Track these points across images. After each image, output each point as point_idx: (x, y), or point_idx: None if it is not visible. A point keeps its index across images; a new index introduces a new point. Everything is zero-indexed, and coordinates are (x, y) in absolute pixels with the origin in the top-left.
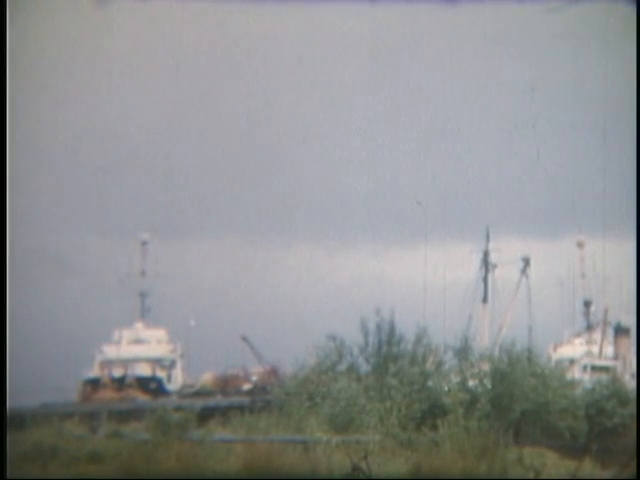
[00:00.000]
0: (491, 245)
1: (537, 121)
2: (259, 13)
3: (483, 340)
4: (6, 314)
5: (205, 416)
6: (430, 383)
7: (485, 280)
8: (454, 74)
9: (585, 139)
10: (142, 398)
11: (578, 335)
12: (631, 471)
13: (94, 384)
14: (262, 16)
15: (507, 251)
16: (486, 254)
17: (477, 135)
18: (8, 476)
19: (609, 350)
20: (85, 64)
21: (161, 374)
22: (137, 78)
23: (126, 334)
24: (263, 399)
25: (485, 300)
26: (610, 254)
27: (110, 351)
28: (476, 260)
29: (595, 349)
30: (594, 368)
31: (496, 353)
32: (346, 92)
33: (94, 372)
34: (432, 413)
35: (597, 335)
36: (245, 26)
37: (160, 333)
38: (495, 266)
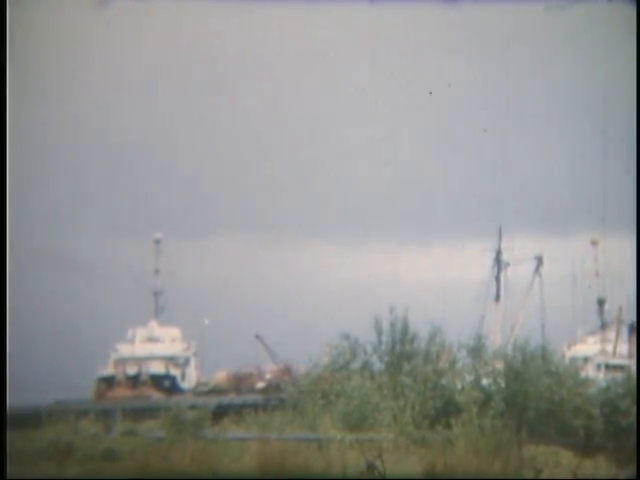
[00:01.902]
0: (504, 244)
1: (540, 119)
2: (259, 13)
3: (496, 339)
4: (6, 313)
5: (219, 414)
6: (444, 381)
7: (497, 279)
8: (455, 73)
9: (588, 137)
10: (156, 396)
11: (592, 334)
12: (631, 471)
13: (109, 382)
14: (262, 16)
15: (520, 250)
16: (498, 253)
17: (483, 135)
18: (8, 476)
19: (623, 349)
20: (88, 64)
21: (175, 372)
22: (139, 77)
23: (140, 332)
24: (277, 397)
25: (498, 299)
26: (624, 252)
27: (124, 349)
28: (489, 259)
29: (609, 348)
30: (608, 367)
31: (510, 351)
32: (347, 91)
33: (109, 370)
34: (446, 411)
35: (611, 334)
36: (245, 26)
37: (174, 331)
38: (508, 265)
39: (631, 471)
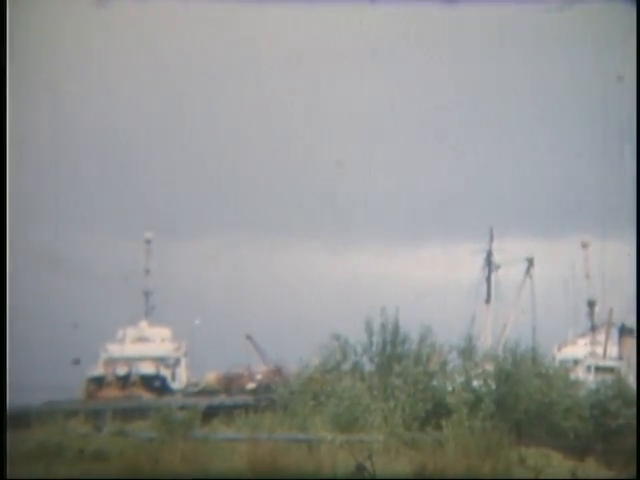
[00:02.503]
0: (494, 245)
1: (539, 121)
2: (259, 13)
3: (486, 340)
4: (6, 314)
5: (209, 415)
6: (434, 383)
7: (488, 280)
8: (454, 74)
9: (586, 138)
10: (146, 396)
11: (582, 336)
12: (631, 471)
13: (98, 382)
14: (262, 16)
15: (511, 251)
16: (489, 254)
17: (480, 136)
18: (8, 476)
19: (613, 351)
20: (88, 63)
21: (165, 372)
22: (139, 78)
23: (130, 332)
24: (267, 398)
25: (488, 300)
26: (615, 254)
27: (114, 349)
28: (480, 260)
29: (599, 350)
30: (598, 369)
31: (500, 353)
32: (346, 91)
33: (99, 370)
34: (436, 413)
35: (601, 336)
36: (245, 26)
37: (164, 331)
38: (498, 266)
39: (631, 471)
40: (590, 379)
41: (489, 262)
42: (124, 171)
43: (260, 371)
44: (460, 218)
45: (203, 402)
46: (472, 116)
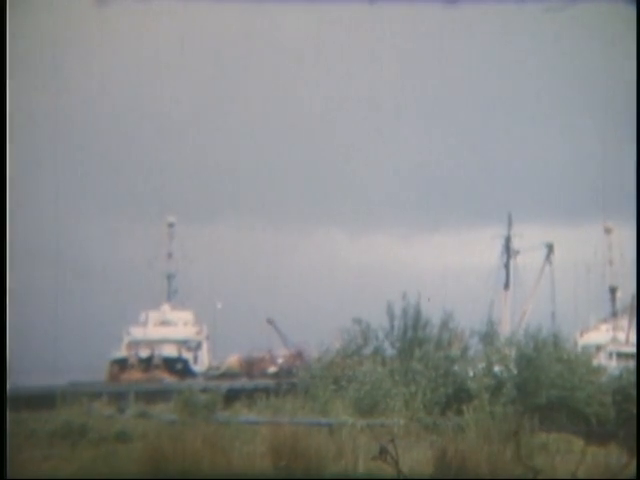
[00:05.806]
0: (513, 231)
1: (547, 113)
2: (259, 13)
3: (505, 326)
4: (6, 302)
5: (231, 398)
6: (455, 368)
7: (507, 266)
8: (457, 72)
9: (590, 130)
10: (168, 379)
11: (604, 321)
12: (631, 470)
13: (121, 364)
14: (262, 16)
15: (532, 237)
16: (508, 240)
17: (497, 124)
18: (8, 476)
19: (636, 336)
20: (88, 63)
21: (187, 355)
22: (146, 73)
23: (153, 316)
24: (288, 382)
25: (507, 286)
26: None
27: (137, 332)
28: (499, 246)
29: (621, 335)
30: (620, 355)
31: (522, 338)
32: (352, 85)
33: (122, 353)
34: (457, 398)
35: (624, 321)
36: (245, 26)
37: (186, 315)
38: (517, 252)
39: (631, 471)
40: (612, 365)
41: (508, 248)
42: (144, 158)
43: (281, 355)
44: (480, 204)
45: (225, 385)
46: (482, 109)
